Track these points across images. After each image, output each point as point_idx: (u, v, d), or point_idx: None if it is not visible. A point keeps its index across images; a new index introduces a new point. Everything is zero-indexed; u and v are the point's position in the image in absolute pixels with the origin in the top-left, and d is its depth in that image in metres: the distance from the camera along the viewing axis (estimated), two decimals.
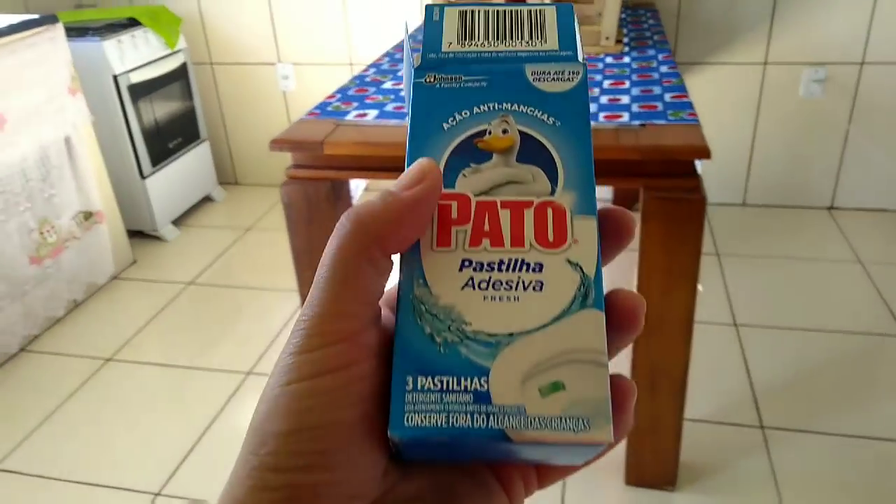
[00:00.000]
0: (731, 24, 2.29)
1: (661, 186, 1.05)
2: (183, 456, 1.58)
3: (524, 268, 0.24)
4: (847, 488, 1.42)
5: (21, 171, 1.90)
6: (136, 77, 2.31)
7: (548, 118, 0.26)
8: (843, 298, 2.03)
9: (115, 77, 2.23)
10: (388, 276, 0.24)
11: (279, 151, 1.21)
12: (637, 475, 1.44)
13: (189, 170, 2.64)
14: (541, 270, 0.24)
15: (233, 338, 2.01)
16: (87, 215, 2.14)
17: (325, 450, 0.21)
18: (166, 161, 2.50)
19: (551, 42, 0.28)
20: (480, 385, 0.23)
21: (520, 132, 0.26)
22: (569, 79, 0.27)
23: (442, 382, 0.23)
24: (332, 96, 1.42)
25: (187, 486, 1.50)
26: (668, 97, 1.23)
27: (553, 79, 0.27)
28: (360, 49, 2.60)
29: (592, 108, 1.22)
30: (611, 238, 0.26)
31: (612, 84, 1.33)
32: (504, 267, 0.24)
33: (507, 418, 0.22)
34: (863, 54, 2.25)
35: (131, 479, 1.52)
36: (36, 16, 1.94)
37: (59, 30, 1.98)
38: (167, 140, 2.50)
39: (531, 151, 0.26)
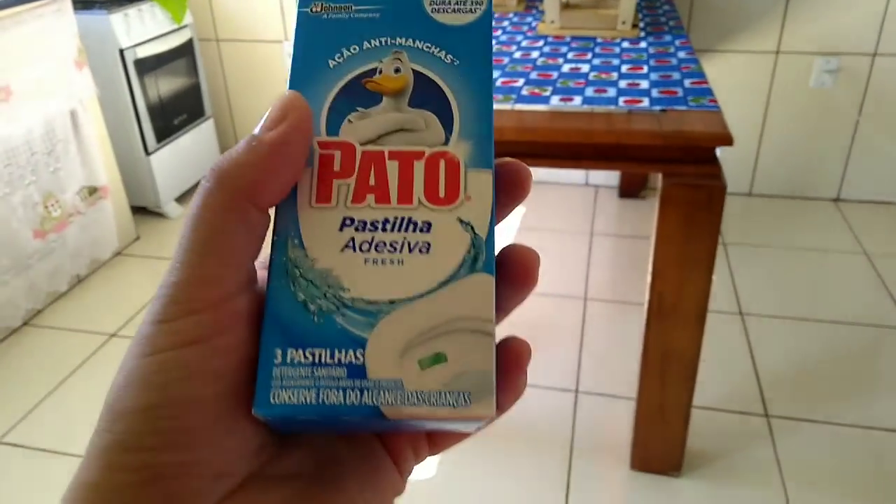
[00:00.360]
0: (744, 12, 2.28)
1: (681, 173, 1.05)
2: None
3: (411, 227, 0.22)
4: (851, 477, 1.43)
5: (27, 143, 1.89)
6: (143, 52, 2.29)
7: (445, 56, 0.24)
8: (847, 289, 2.03)
9: (121, 51, 2.20)
10: (263, 232, 0.22)
11: None
12: (643, 460, 1.45)
13: (193, 147, 2.63)
14: (429, 230, 0.22)
15: None
16: (92, 190, 2.12)
17: (183, 427, 0.19)
18: (171, 138, 2.48)
19: None
20: (356, 358, 0.21)
21: (414, 71, 0.24)
22: (471, 10, 0.24)
23: (314, 355, 0.21)
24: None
25: None
26: (687, 83, 1.22)
27: (454, 9, 0.24)
28: None
29: (611, 91, 1.21)
30: (506, 194, 0.23)
31: (630, 69, 1.32)
32: (389, 226, 0.22)
33: (382, 394, 0.20)
34: (875, 45, 2.24)
35: None
36: None
37: (65, 1, 1.95)
38: (172, 117, 2.48)
39: (425, 94, 0.23)
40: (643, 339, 1.28)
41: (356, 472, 0.23)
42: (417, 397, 0.21)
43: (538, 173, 2.61)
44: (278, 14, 2.63)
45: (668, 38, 1.51)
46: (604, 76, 1.29)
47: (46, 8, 1.90)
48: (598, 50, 1.46)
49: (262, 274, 0.23)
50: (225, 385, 0.20)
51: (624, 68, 1.32)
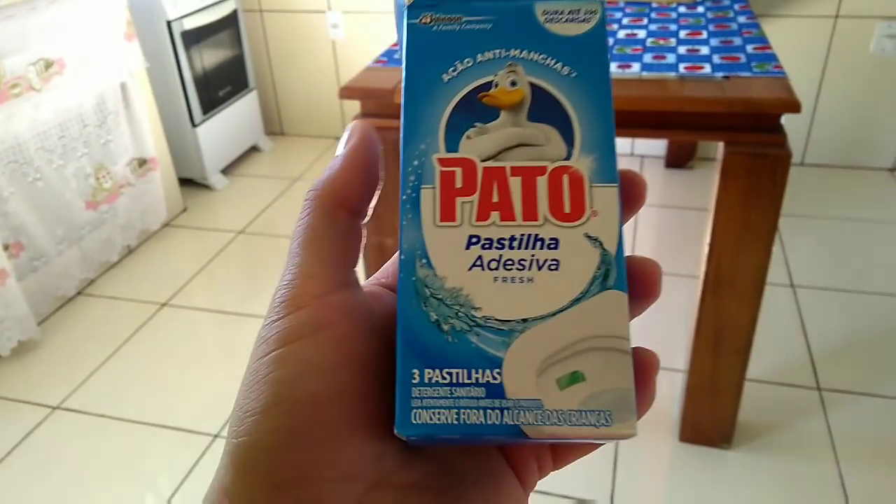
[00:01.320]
0: None
1: (745, 141, 1.02)
2: None
3: (538, 244, 0.22)
4: None
5: (79, 116, 1.92)
6: (189, 23, 2.30)
7: (562, 67, 0.23)
8: None
9: (168, 23, 2.21)
10: (357, 236, 0.23)
11: (349, 100, 1.20)
12: (692, 432, 1.44)
13: (238, 119, 2.64)
14: (556, 247, 0.22)
15: None
16: (142, 162, 2.16)
17: (303, 424, 0.19)
18: (216, 110, 2.50)
19: None
20: (493, 377, 0.21)
21: (530, 84, 0.23)
22: (585, 19, 0.24)
23: (451, 375, 0.21)
24: (396, 44, 1.39)
25: None
26: (749, 48, 1.18)
27: (567, 19, 0.24)
28: None
29: (670, 58, 1.18)
30: (638, 296, 0.23)
31: (688, 34, 1.29)
32: (516, 244, 0.22)
33: (522, 413, 0.21)
34: None
35: (190, 421, 1.56)
36: None
37: None
38: (217, 88, 2.50)
39: (544, 107, 0.23)
40: (697, 312, 1.26)
41: (480, 485, 0.23)
42: (558, 417, 0.21)
43: None
44: None
45: (726, 2, 1.47)
46: (661, 42, 1.26)
47: None
48: (653, 15, 1.42)
49: (372, 288, 0.25)
50: (337, 380, 0.20)
51: (682, 34, 1.29)
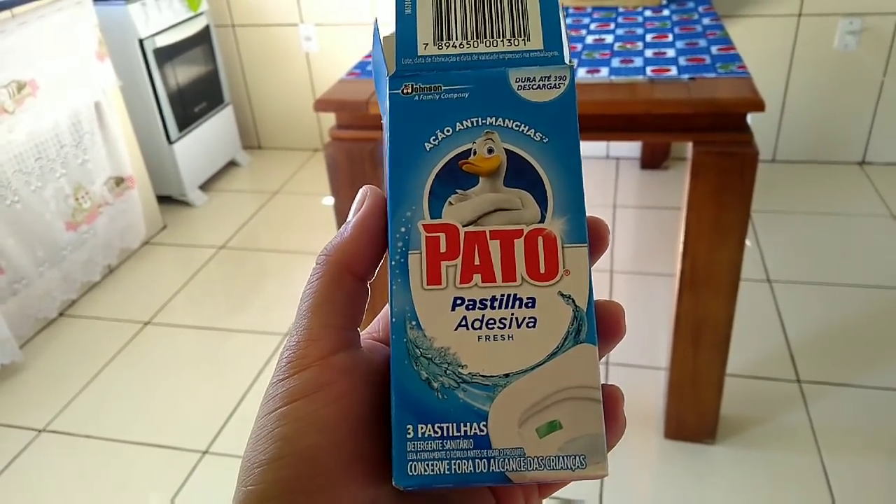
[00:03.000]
0: None
1: (713, 140, 1.04)
2: (228, 415, 1.61)
3: (517, 304, 0.24)
4: (884, 439, 1.43)
5: (55, 137, 1.91)
6: (161, 41, 2.30)
7: (535, 134, 0.25)
8: (875, 253, 2.02)
9: (140, 41, 2.22)
10: (362, 300, 0.25)
11: (324, 112, 1.21)
12: (677, 429, 1.46)
13: (214, 134, 2.64)
14: (533, 306, 0.24)
15: (267, 300, 2.03)
16: (119, 181, 2.15)
17: (302, 475, 0.21)
18: (192, 126, 2.50)
19: (535, 39, 0.25)
20: (480, 430, 0.23)
21: (506, 151, 0.24)
22: (555, 86, 0.25)
23: (442, 429, 0.23)
24: (369, 55, 1.41)
25: (234, 444, 1.53)
26: (714, 50, 1.21)
27: (539, 86, 0.25)
28: (384, 8, 2.57)
29: (637, 62, 1.20)
30: (606, 338, 0.25)
31: (654, 37, 1.31)
32: (497, 304, 0.24)
33: (507, 461, 0.23)
34: None
35: (178, 438, 1.56)
36: None
37: None
38: (192, 104, 2.50)
39: (518, 172, 0.24)
40: (675, 309, 1.29)
41: None
42: (538, 462, 0.23)
43: None
44: None
45: (690, 4, 1.50)
46: (629, 46, 1.28)
47: (67, 1, 1.91)
48: (620, 20, 1.45)
49: (366, 343, 0.26)
50: (334, 435, 0.22)
51: (649, 37, 1.31)
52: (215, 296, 2.09)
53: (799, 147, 2.50)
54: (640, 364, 1.67)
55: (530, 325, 0.23)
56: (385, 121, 0.25)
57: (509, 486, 0.26)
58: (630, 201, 2.38)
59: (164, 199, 2.50)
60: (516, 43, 0.25)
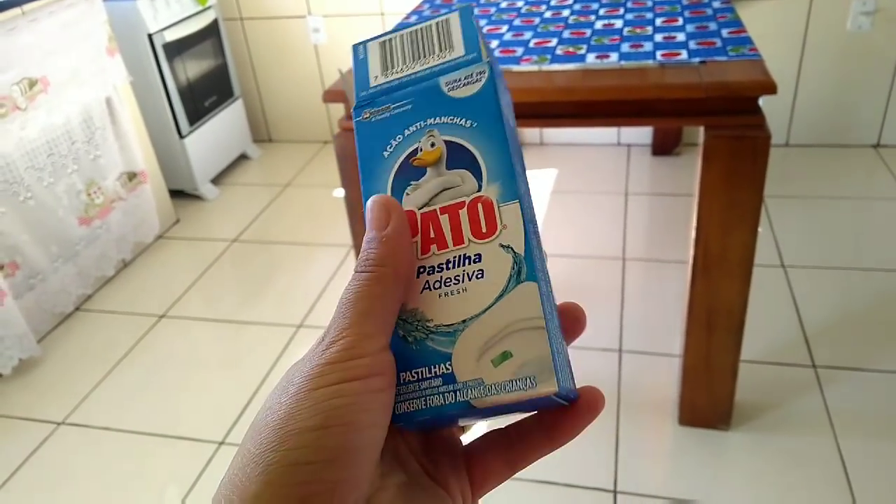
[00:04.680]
0: None
1: (725, 124, 1.03)
2: (243, 406, 1.63)
3: (466, 261, 0.28)
4: None
5: (66, 133, 1.92)
6: (170, 35, 2.31)
7: (465, 122, 0.29)
8: (890, 236, 2.00)
9: (149, 36, 2.22)
10: (400, 301, 0.28)
11: (333, 103, 1.21)
12: (691, 415, 1.45)
13: (225, 128, 2.65)
14: (480, 260, 0.28)
15: (280, 292, 2.04)
16: (131, 176, 2.16)
17: (345, 447, 0.23)
18: (202, 120, 2.51)
19: (458, 48, 0.31)
20: (446, 369, 0.27)
21: (445, 141, 0.29)
22: (477, 80, 0.30)
23: (418, 374, 0.27)
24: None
25: None
26: (725, 33, 1.20)
27: (464, 84, 0.30)
28: None
29: (647, 46, 1.19)
30: (568, 332, 0.29)
31: (664, 22, 1.30)
32: (450, 265, 0.28)
33: (469, 391, 0.26)
34: None
35: (195, 429, 1.58)
36: None
37: None
38: (202, 98, 2.51)
39: (457, 156, 0.29)
40: (688, 295, 1.28)
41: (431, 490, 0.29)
42: (495, 388, 0.26)
43: (569, 134, 2.58)
44: None
45: None
46: (639, 31, 1.27)
47: None
48: (630, 4, 1.44)
49: None
50: (374, 416, 0.25)
51: (658, 21, 1.30)
52: (229, 288, 2.11)
53: (812, 130, 2.48)
54: (654, 351, 1.66)
55: (479, 276, 0.27)
56: (356, 145, 0.31)
57: (450, 481, 0.29)
58: (642, 188, 2.37)
59: (177, 194, 2.52)
60: (443, 56, 0.31)
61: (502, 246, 0.28)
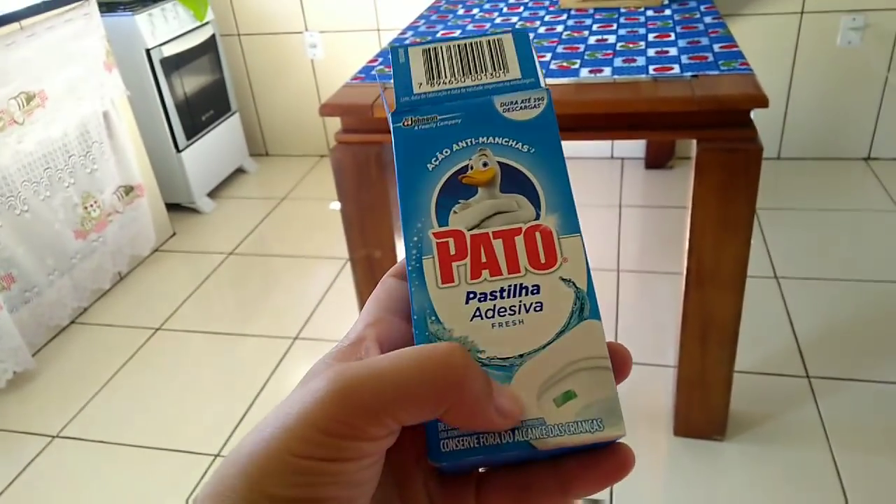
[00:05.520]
0: None
1: (717, 137, 1.05)
2: (239, 418, 1.62)
3: (523, 292, 0.26)
4: (895, 434, 1.43)
5: (63, 146, 1.93)
6: (168, 50, 2.32)
7: (522, 146, 0.28)
8: (882, 248, 2.02)
9: (147, 51, 2.24)
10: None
11: (329, 117, 1.22)
12: (686, 426, 1.46)
13: (221, 142, 2.66)
14: (538, 292, 0.26)
15: (276, 305, 2.05)
16: (128, 189, 2.17)
17: (360, 405, 0.21)
18: (200, 134, 2.52)
19: (513, 71, 0.29)
20: None
21: (499, 163, 0.28)
22: (535, 105, 0.29)
23: None
24: (373, 60, 1.42)
25: None
26: (716, 47, 1.22)
27: (521, 107, 0.29)
28: (388, 14, 2.59)
29: (640, 61, 1.21)
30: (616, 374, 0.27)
31: (656, 37, 1.32)
32: (505, 294, 0.26)
33: (530, 431, 0.24)
34: None
35: (191, 442, 1.57)
36: None
37: (92, 5, 1.99)
38: (199, 113, 2.52)
39: (512, 180, 0.28)
40: (682, 307, 1.29)
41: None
42: (558, 429, 0.25)
43: (564, 148, 2.64)
44: (297, 5, 2.65)
45: (692, 3, 1.50)
46: (631, 46, 1.29)
47: (75, 12, 1.93)
48: (622, 20, 1.46)
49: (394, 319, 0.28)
50: (362, 490, 0.22)
51: (651, 37, 1.32)
52: (225, 301, 2.11)
53: (804, 144, 2.50)
54: (649, 362, 1.67)
55: (537, 308, 0.26)
56: (393, 153, 0.29)
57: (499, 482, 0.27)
58: (635, 201, 2.39)
59: (173, 207, 2.52)
60: (497, 75, 0.29)
61: (563, 280, 0.26)
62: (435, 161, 0.28)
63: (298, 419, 0.21)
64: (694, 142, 1.11)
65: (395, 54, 0.30)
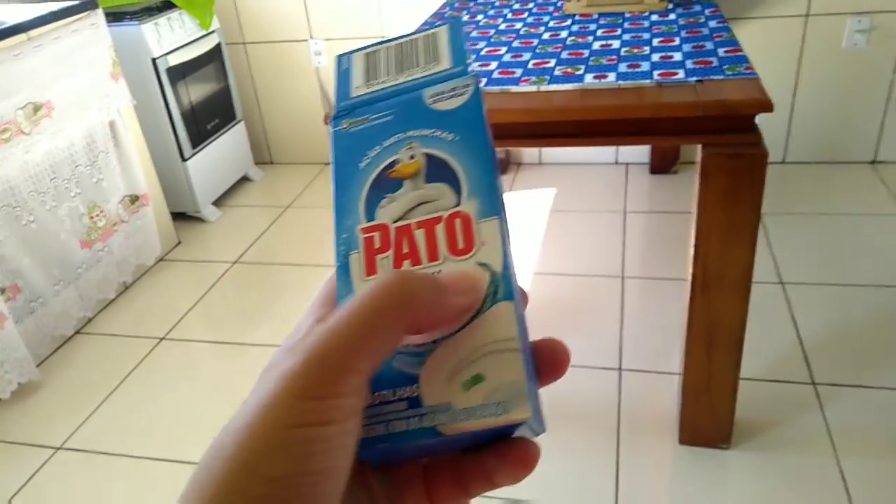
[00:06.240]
0: None
1: (722, 142, 1.05)
2: None
3: None
4: None
5: (70, 156, 1.94)
6: (174, 59, 2.33)
7: (447, 135, 0.28)
8: (889, 252, 2.00)
9: (153, 60, 2.25)
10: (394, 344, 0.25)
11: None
12: (691, 434, 1.45)
13: (227, 150, 2.67)
14: None
15: (281, 313, 2.05)
16: (134, 199, 2.18)
17: (315, 494, 0.21)
18: (205, 143, 2.53)
19: (444, 62, 0.30)
20: (412, 391, 0.25)
21: (425, 154, 0.28)
22: (462, 93, 0.29)
23: (381, 397, 0.25)
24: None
25: None
26: (721, 52, 1.22)
27: (449, 97, 0.29)
28: (392, 22, 2.59)
29: (644, 66, 1.21)
30: (545, 373, 0.27)
31: (661, 42, 1.32)
32: None
33: (436, 416, 0.24)
34: None
35: (195, 453, 1.57)
36: (77, 1, 1.96)
37: (99, 15, 2.00)
38: (205, 122, 2.53)
39: (436, 170, 0.28)
40: (687, 313, 1.28)
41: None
42: (465, 414, 0.24)
43: (568, 153, 2.58)
44: (302, 14, 2.66)
45: (697, 7, 1.50)
46: (636, 51, 1.29)
47: (82, 22, 1.94)
48: (627, 25, 1.46)
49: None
50: (346, 459, 0.23)
51: (655, 42, 1.32)
52: (230, 310, 2.11)
53: (809, 148, 2.50)
54: (653, 369, 1.66)
55: None
56: (331, 157, 0.30)
57: (441, 476, 0.28)
58: (640, 206, 2.38)
59: (179, 216, 2.53)
60: (429, 69, 0.30)
61: (480, 264, 0.26)
62: (366, 159, 0.29)
63: (278, 396, 0.21)
64: (699, 147, 1.11)
65: (339, 61, 0.32)
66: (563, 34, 1.45)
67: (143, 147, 2.25)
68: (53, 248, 1.90)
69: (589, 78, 1.19)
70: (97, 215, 2.04)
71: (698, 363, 1.33)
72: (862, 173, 2.43)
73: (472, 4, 1.85)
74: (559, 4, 1.70)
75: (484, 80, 1.22)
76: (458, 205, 0.27)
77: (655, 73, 1.16)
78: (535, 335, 0.27)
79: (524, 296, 0.28)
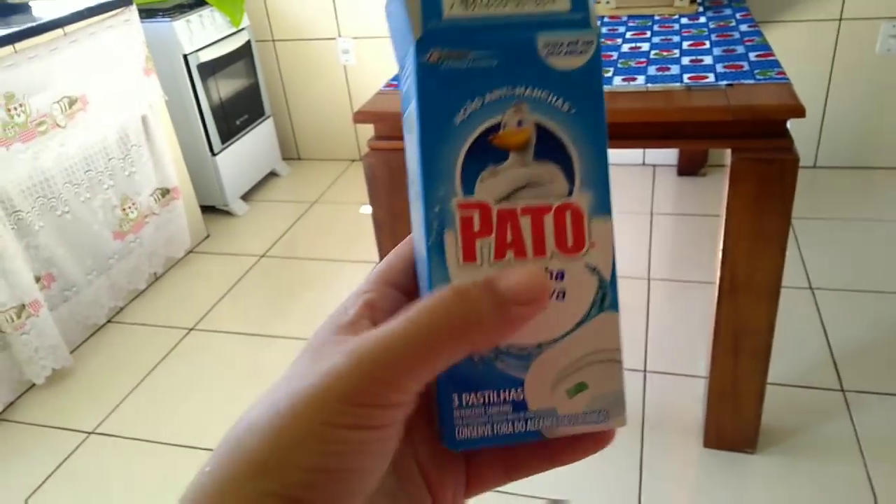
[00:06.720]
0: None
1: (752, 147, 1.04)
2: None
3: (548, 278, 0.24)
4: None
5: (104, 150, 1.98)
6: (205, 56, 2.36)
7: (562, 104, 0.24)
8: None
9: (185, 56, 2.28)
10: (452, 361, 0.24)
11: (363, 124, 1.23)
12: (716, 438, 1.44)
13: (255, 146, 2.70)
14: (563, 279, 0.24)
15: (307, 307, 2.07)
16: (164, 192, 2.21)
17: (341, 491, 0.21)
18: (234, 138, 2.56)
19: (561, 1, 0.24)
20: (517, 395, 0.25)
21: (536, 123, 0.24)
22: (582, 51, 0.24)
23: (484, 397, 0.25)
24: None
25: None
26: (752, 56, 1.21)
27: (566, 52, 0.24)
28: None
29: (674, 69, 1.21)
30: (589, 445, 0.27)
31: (691, 45, 1.31)
32: None
33: (541, 421, 0.25)
34: None
35: None
36: None
37: (133, 12, 2.03)
38: (234, 117, 2.56)
39: (547, 146, 0.24)
40: (714, 317, 1.28)
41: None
42: (568, 420, 0.25)
43: None
44: (331, 12, 2.68)
45: (727, 11, 1.49)
46: (665, 54, 1.28)
47: (116, 19, 1.98)
48: (656, 28, 1.45)
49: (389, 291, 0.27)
50: (381, 463, 0.23)
51: (685, 45, 1.31)
52: (257, 303, 2.14)
53: (841, 153, 2.46)
54: (679, 372, 1.66)
55: (560, 297, 0.25)
56: (404, 87, 0.25)
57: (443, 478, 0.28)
58: (667, 208, 2.37)
59: (208, 209, 2.57)
60: (542, 4, 0.24)
61: (588, 267, 0.25)
62: (464, 113, 0.24)
63: (321, 392, 0.21)
64: (728, 150, 1.11)
65: None
66: None
67: (174, 141, 2.29)
68: (87, 238, 1.94)
69: (617, 80, 1.19)
70: (129, 207, 2.08)
71: (724, 367, 1.33)
72: (894, 178, 2.39)
73: None
74: None
75: None
76: (570, 194, 0.24)
77: (685, 76, 1.16)
78: None
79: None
